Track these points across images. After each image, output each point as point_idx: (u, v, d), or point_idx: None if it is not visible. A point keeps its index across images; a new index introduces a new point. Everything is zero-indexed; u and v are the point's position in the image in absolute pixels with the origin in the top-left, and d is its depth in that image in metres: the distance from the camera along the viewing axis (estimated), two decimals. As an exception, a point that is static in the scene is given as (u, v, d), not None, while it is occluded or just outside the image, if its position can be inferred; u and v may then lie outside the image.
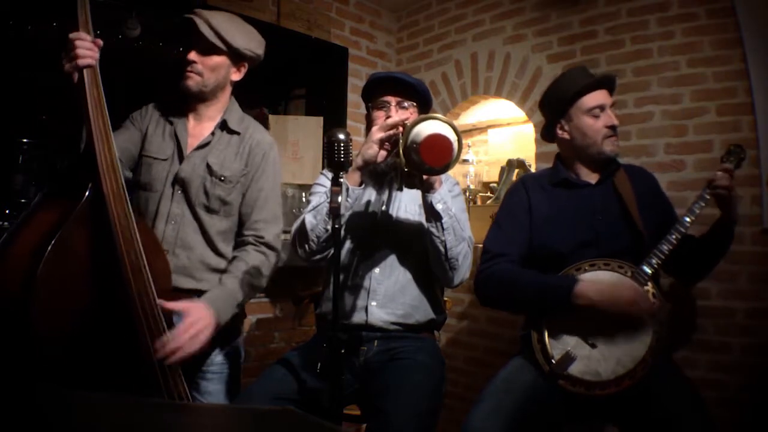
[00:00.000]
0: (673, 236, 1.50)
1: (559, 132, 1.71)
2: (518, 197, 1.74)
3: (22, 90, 2.20)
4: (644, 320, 1.44)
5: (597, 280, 1.49)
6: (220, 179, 1.54)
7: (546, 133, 1.79)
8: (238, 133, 1.61)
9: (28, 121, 2.15)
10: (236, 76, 1.62)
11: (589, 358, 1.46)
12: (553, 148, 2.58)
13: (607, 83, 1.68)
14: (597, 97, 1.63)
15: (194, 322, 1.32)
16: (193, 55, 1.52)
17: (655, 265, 1.48)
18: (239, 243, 1.60)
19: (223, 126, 1.60)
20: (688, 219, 1.51)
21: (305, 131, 2.89)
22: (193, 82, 1.53)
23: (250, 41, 1.59)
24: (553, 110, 1.71)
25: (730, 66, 2.08)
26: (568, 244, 1.59)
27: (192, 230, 1.53)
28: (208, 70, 1.54)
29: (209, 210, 1.55)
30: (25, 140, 2.13)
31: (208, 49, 1.52)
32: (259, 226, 1.59)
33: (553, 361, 1.48)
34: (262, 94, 3.17)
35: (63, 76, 1.24)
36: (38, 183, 2.13)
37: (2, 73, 2.24)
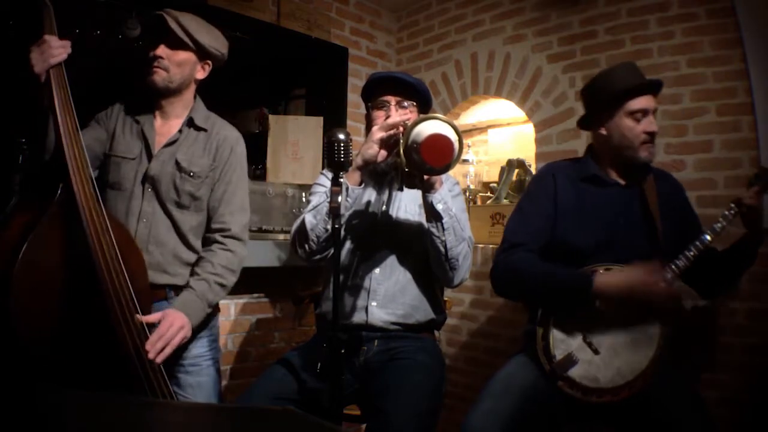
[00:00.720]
0: (691, 252, 1.47)
1: (598, 127, 1.66)
2: (545, 184, 1.70)
3: (22, 90, 2.20)
4: (652, 330, 1.43)
5: (614, 272, 1.47)
6: (189, 175, 1.57)
7: (584, 123, 1.74)
8: (205, 130, 1.63)
9: (28, 121, 2.14)
10: (201, 75, 1.64)
11: (590, 363, 1.45)
12: (553, 148, 2.60)
13: (655, 88, 1.63)
14: (643, 101, 1.58)
15: (172, 322, 1.38)
16: (160, 50, 1.54)
17: (676, 270, 1.47)
18: (206, 240, 1.62)
19: (190, 123, 1.62)
20: (708, 237, 1.48)
21: (305, 131, 2.88)
22: (159, 77, 1.54)
23: (215, 39, 1.62)
24: (597, 104, 1.66)
25: (730, 66, 2.08)
26: (587, 241, 1.57)
27: (164, 227, 1.56)
28: (175, 65, 1.56)
29: (180, 206, 1.57)
30: (25, 140, 2.12)
31: (175, 44, 1.54)
32: (225, 219, 1.61)
33: (555, 361, 1.48)
34: (262, 94, 3.17)
35: (31, 79, 1.26)
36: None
37: (2, 73, 2.23)
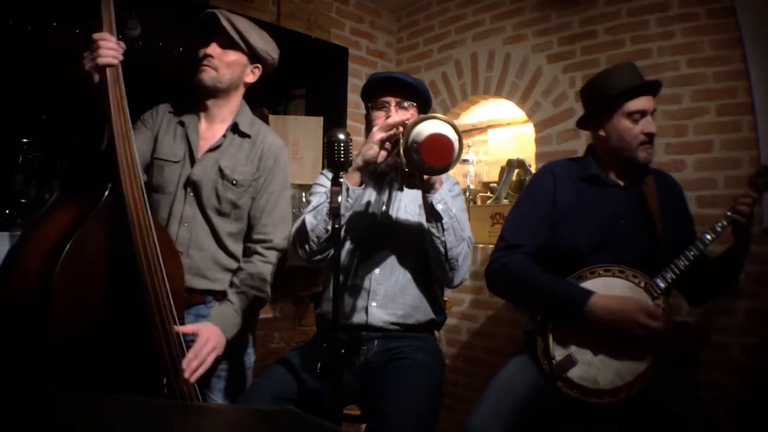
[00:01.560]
0: (692, 253, 1.47)
1: (597, 128, 1.66)
2: (544, 183, 1.70)
3: (22, 90, 2.20)
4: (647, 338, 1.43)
5: (609, 295, 1.46)
6: (232, 183, 1.55)
7: (583, 123, 1.74)
8: (249, 137, 1.61)
9: (28, 121, 2.14)
10: (250, 78, 1.62)
11: (589, 365, 1.46)
12: (553, 148, 2.60)
13: (654, 88, 1.63)
14: (641, 102, 1.58)
15: (208, 339, 1.37)
16: (211, 49, 1.52)
17: (670, 280, 1.47)
18: (247, 250, 1.61)
19: (235, 129, 1.60)
20: (708, 237, 1.48)
21: (305, 131, 2.88)
22: (208, 75, 1.53)
23: (267, 43, 1.61)
24: (595, 105, 1.66)
25: (730, 66, 2.08)
26: (585, 241, 1.58)
27: (204, 232, 1.54)
28: (225, 65, 1.54)
29: (220, 213, 1.56)
30: (25, 140, 2.12)
31: (227, 44, 1.53)
32: (268, 230, 1.60)
33: (554, 362, 1.48)
34: (262, 94, 3.16)
35: (81, 76, 1.24)
36: (38, 183, 2.12)
37: (2, 74, 2.23)
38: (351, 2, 3.17)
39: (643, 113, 1.58)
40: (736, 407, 1.94)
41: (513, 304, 1.57)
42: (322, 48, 3.00)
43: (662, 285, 1.47)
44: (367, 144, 1.46)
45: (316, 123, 2.90)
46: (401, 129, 1.40)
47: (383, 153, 1.45)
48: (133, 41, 2.48)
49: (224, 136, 1.58)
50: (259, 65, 1.62)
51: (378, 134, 1.43)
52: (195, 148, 1.55)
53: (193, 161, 1.54)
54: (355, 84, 3.09)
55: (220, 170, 1.54)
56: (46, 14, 2.25)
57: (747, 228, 1.48)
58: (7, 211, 2.01)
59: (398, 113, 1.62)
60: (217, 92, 1.57)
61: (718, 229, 1.48)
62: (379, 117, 1.63)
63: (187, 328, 1.35)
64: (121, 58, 1.27)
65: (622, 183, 1.66)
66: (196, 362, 1.31)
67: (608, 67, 1.74)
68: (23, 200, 2.09)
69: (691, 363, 2.06)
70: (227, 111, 1.61)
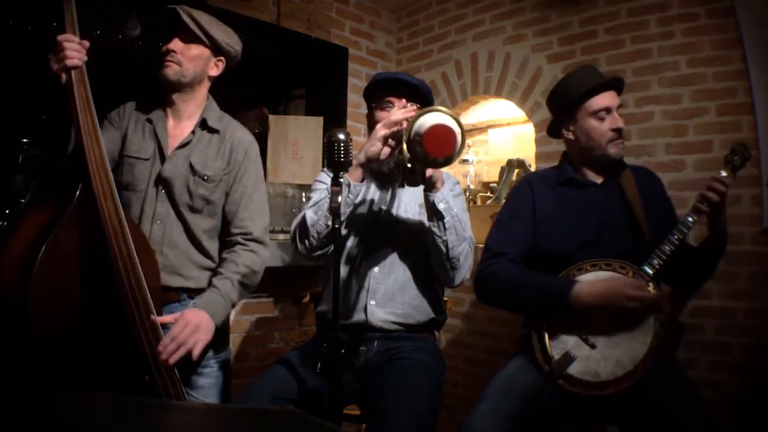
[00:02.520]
0: (675, 236, 1.49)
1: (565, 132, 1.70)
2: (522, 195, 1.73)
3: (22, 90, 2.20)
4: (646, 318, 1.43)
5: (593, 281, 1.48)
6: (203, 179, 1.55)
7: (552, 131, 1.78)
8: (218, 132, 1.62)
9: (28, 121, 2.14)
10: (214, 71, 1.63)
11: (588, 359, 1.46)
12: (553, 148, 2.60)
13: (615, 85, 1.66)
14: (603, 100, 1.61)
15: (187, 322, 1.35)
16: (173, 44, 1.53)
17: (657, 266, 1.47)
18: (227, 243, 1.61)
19: (203, 125, 1.61)
20: (690, 219, 1.49)
21: (305, 131, 2.88)
22: (171, 70, 1.53)
23: (228, 36, 1.62)
24: (559, 110, 1.70)
25: (730, 66, 2.08)
26: (571, 243, 1.59)
27: (178, 229, 1.55)
28: (188, 60, 1.55)
29: (193, 209, 1.56)
30: (25, 140, 2.12)
31: (189, 39, 1.54)
32: (245, 223, 1.60)
33: (553, 361, 1.48)
34: (262, 94, 3.17)
35: (50, 78, 1.25)
36: (38, 183, 2.13)
37: (2, 74, 2.23)
38: (351, 2, 3.17)
39: (608, 110, 1.61)
40: (736, 407, 1.94)
41: (505, 310, 1.58)
42: (322, 48, 3.00)
43: (650, 271, 1.47)
44: (370, 140, 1.46)
45: (316, 123, 2.90)
46: (404, 125, 1.41)
47: (386, 150, 1.46)
48: (133, 41, 2.48)
49: (193, 132, 1.59)
50: (222, 58, 1.62)
51: (381, 131, 1.44)
52: (164, 145, 1.56)
53: (163, 158, 1.55)
54: (355, 84, 3.09)
55: (191, 166, 1.55)
56: (46, 14, 2.26)
57: (719, 214, 1.49)
58: (7, 211, 2.01)
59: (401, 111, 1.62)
60: (182, 86, 1.57)
61: (700, 209, 1.48)
62: (382, 117, 1.63)
63: (167, 318, 1.34)
64: (85, 58, 1.28)
65: (599, 181, 1.68)
66: (173, 345, 1.30)
67: (566, 73, 1.78)
68: (23, 200, 2.09)
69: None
70: (193, 106, 1.62)
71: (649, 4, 2.30)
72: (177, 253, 1.53)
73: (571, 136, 1.68)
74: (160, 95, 1.60)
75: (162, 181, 1.53)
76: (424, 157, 1.29)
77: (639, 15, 2.32)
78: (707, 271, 1.65)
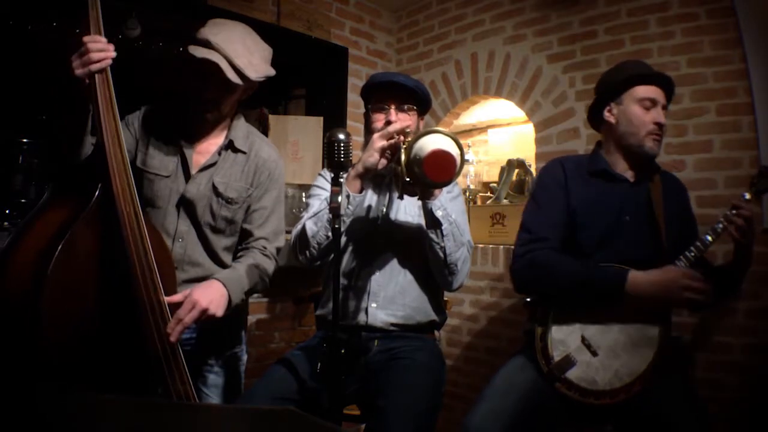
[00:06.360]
0: (692, 254, 1.47)
1: (607, 114, 1.65)
2: (555, 174, 1.68)
3: (22, 90, 2.20)
4: (651, 333, 1.42)
5: (646, 270, 1.44)
6: (227, 201, 1.54)
7: (592, 116, 1.73)
8: (244, 152, 1.59)
9: (28, 121, 2.14)
10: (246, 95, 1.59)
11: (588, 365, 1.45)
12: (554, 149, 2.60)
13: (665, 83, 1.62)
14: (651, 90, 1.58)
15: (194, 304, 1.32)
16: (213, 94, 1.47)
17: None
18: (243, 249, 1.61)
19: (230, 146, 1.58)
20: (709, 238, 1.47)
21: (305, 131, 2.89)
22: (212, 116, 1.52)
23: (267, 68, 1.53)
24: (606, 90, 1.66)
25: (730, 66, 2.08)
26: (590, 237, 1.57)
27: (199, 248, 1.54)
28: (227, 105, 1.53)
29: (215, 230, 1.55)
30: (25, 140, 2.12)
31: (230, 88, 1.48)
32: (261, 243, 1.60)
33: (553, 362, 1.48)
34: (262, 94, 3.16)
35: (72, 78, 1.21)
36: (38, 183, 2.13)
37: (2, 73, 2.23)
38: (351, 2, 3.17)
39: (653, 101, 1.58)
40: (736, 407, 1.94)
41: (545, 297, 1.53)
42: (322, 48, 3.00)
43: None
44: (367, 151, 1.45)
45: (316, 123, 2.90)
46: (402, 137, 1.40)
47: (384, 161, 1.45)
48: (133, 41, 2.48)
49: (219, 153, 1.56)
50: (256, 85, 1.57)
51: (379, 142, 1.43)
52: (190, 164, 1.53)
53: (187, 177, 1.52)
54: (355, 84, 3.09)
55: (214, 187, 1.53)
56: (46, 14, 2.26)
57: (747, 241, 1.46)
58: (7, 211, 2.01)
59: (398, 116, 1.61)
60: (217, 121, 1.57)
61: (719, 230, 1.47)
62: (378, 120, 1.63)
63: (177, 296, 1.33)
64: (114, 54, 1.23)
65: (631, 179, 1.65)
66: (179, 327, 1.29)
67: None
68: (23, 200, 2.09)
69: (686, 365, 2.05)
70: (222, 125, 1.59)
71: (649, 4, 2.30)
72: (197, 270, 1.53)
73: (612, 119, 1.64)
74: (189, 109, 1.54)
75: (184, 202, 1.51)
76: (422, 178, 1.28)
77: (639, 15, 2.32)
78: (724, 293, 1.59)
